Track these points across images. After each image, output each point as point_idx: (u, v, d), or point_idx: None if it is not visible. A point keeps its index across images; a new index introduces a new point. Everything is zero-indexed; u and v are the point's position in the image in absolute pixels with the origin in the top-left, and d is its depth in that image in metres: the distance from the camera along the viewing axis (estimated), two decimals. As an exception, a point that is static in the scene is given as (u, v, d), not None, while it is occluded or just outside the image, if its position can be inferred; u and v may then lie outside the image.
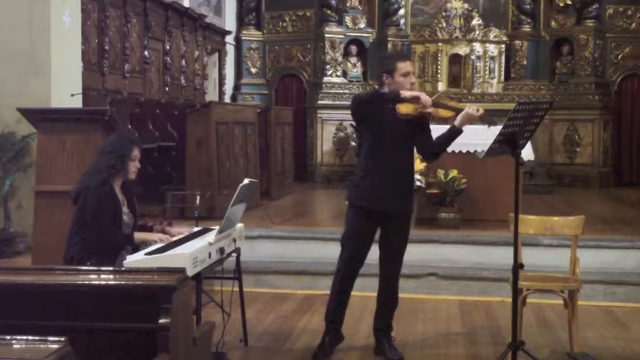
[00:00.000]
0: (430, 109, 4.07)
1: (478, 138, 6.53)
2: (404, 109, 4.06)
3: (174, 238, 3.91)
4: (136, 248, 3.84)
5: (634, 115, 11.72)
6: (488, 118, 4.07)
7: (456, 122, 4.09)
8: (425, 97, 4.07)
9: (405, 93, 4.07)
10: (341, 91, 11.93)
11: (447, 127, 4.25)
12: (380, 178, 4.16)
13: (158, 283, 2.58)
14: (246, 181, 4.07)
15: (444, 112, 4.10)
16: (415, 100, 4.06)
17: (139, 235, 3.88)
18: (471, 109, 4.06)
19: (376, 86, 11.64)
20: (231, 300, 4.33)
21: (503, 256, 5.43)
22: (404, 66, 4.16)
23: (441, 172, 6.59)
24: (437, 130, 4.32)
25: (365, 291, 4.86)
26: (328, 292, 4.52)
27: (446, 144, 4.26)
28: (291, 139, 10.26)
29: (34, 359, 1.68)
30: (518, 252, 3.95)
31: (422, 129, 4.20)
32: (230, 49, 12.67)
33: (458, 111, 4.12)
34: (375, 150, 4.19)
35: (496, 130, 3.86)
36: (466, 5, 11.71)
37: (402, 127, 4.12)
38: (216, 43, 12.13)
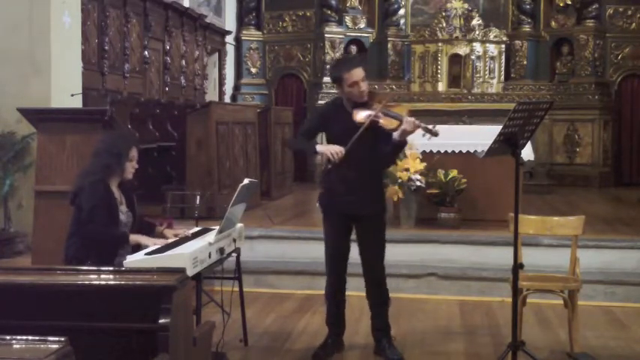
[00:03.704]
0: (379, 119, 4.05)
1: (478, 138, 6.54)
2: (358, 118, 4.09)
3: (170, 241, 3.89)
4: (135, 248, 3.84)
5: (634, 115, 11.72)
6: (428, 129, 3.97)
7: (396, 136, 4.04)
8: (335, 152, 4.03)
9: (320, 149, 4.14)
10: (341, 91, 11.89)
11: None
12: (346, 183, 4.19)
13: (158, 283, 2.58)
14: (246, 181, 4.07)
15: (390, 122, 4.04)
16: (364, 110, 4.09)
17: (133, 237, 3.86)
18: (407, 124, 3.96)
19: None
20: (231, 300, 4.33)
21: (503, 256, 5.42)
22: (350, 76, 4.08)
23: (441, 172, 6.59)
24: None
25: (365, 291, 4.85)
26: (327, 292, 4.55)
27: (393, 155, 4.34)
28: (292, 139, 10.25)
29: (34, 359, 1.68)
30: (518, 252, 3.95)
31: (382, 134, 4.13)
32: (230, 49, 12.67)
33: (401, 120, 4.03)
34: None
35: (494, 130, 3.86)
36: (466, 5, 11.71)
37: (363, 132, 4.10)
38: (216, 43, 12.13)
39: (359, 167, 4.15)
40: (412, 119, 3.99)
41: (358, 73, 4.11)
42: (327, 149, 4.08)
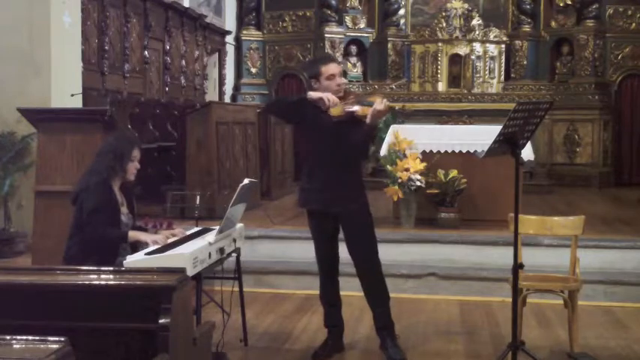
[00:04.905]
0: (355, 109, 4.07)
1: (478, 138, 6.54)
2: (334, 112, 4.10)
3: (169, 240, 3.88)
4: (134, 248, 3.84)
5: (634, 115, 11.72)
6: (397, 107, 4.03)
7: (367, 119, 4.04)
8: (331, 97, 4.06)
9: (312, 94, 4.10)
10: (341, 91, 11.89)
11: None
12: (323, 181, 4.19)
13: (158, 283, 2.59)
14: (246, 181, 4.07)
15: (365, 110, 4.08)
16: (340, 105, 4.09)
17: (132, 234, 3.86)
18: (379, 104, 4.00)
19: (368, 88, 11.68)
20: (231, 300, 4.33)
21: (503, 256, 5.43)
22: (327, 69, 4.14)
23: (441, 172, 6.59)
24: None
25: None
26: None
27: (364, 143, 4.25)
28: (291, 139, 10.25)
29: (34, 359, 1.68)
30: (518, 252, 3.94)
31: (357, 128, 4.13)
32: (230, 49, 12.67)
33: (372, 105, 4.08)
34: (314, 153, 4.26)
35: (494, 130, 3.85)
36: (466, 5, 11.72)
37: (335, 128, 4.11)
38: (216, 43, 12.13)
39: (333, 163, 4.15)
40: (384, 100, 4.03)
41: (334, 66, 4.19)
42: (323, 94, 4.06)
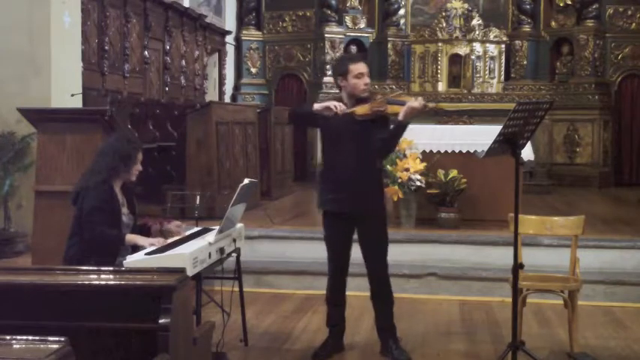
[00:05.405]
0: (384, 107, 4.08)
1: (478, 138, 6.54)
2: (360, 110, 4.10)
3: (170, 240, 3.88)
4: (134, 248, 3.84)
5: (634, 115, 11.72)
6: (432, 106, 4.05)
7: (400, 116, 4.04)
8: (336, 103, 4.05)
9: (317, 106, 4.10)
10: (341, 91, 11.89)
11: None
12: (341, 182, 4.18)
13: (158, 283, 2.58)
14: (246, 181, 4.07)
15: (397, 109, 4.09)
16: (366, 105, 4.11)
17: (129, 237, 3.85)
18: (414, 102, 4.02)
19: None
20: (231, 300, 4.33)
21: (503, 256, 5.43)
22: (356, 67, 4.15)
23: (441, 172, 6.59)
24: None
25: (365, 291, 4.83)
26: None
27: (393, 139, 4.23)
28: (291, 139, 10.26)
29: (34, 359, 1.68)
30: (518, 252, 3.95)
31: (380, 129, 4.15)
32: (230, 49, 12.67)
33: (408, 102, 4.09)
34: (333, 154, 4.25)
35: (494, 130, 3.85)
36: (466, 5, 11.71)
37: (359, 128, 4.11)
38: (216, 43, 12.13)
39: (354, 164, 4.14)
40: (420, 98, 4.05)
41: (363, 65, 4.20)
42: (328, 102, 4.07)
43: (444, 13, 11.70)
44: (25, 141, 6.48)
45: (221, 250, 3.92)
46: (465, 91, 11.55)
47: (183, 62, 10.66)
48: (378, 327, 4.41)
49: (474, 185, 6.70)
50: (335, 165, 4.22)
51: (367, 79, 4.19)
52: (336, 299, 4.42)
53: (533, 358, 3.92)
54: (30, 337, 1.77)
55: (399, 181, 6.44)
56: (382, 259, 4.33)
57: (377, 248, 4.31)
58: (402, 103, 4.08)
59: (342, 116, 4.06)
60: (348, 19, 12.41)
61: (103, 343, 2.55)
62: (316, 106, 4.12)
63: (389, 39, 12.26)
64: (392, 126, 4.16)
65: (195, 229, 4.32)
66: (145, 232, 4.06)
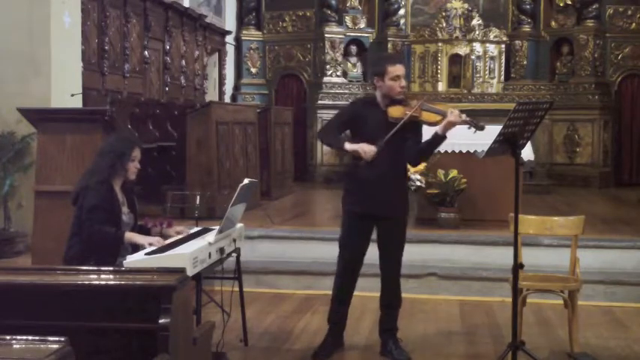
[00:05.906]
0: (418, 114, 4.07)
1: (478, 138, 6.53)
2: (394, 112, 4.09)
3: (169, 241, 3.88)
4: (135, 248, 3.84)
5: (634, 115, 11.72)
6: (474, 122, 4.00)
7: (439, 129, 4.04)
8: (367, 148, 4.03)
9: (348, 147, 4.10)
10: (341, 91, 11.92)
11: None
12: (369, 182, 4.17)
13: (158, 283, 2.59)
14: (246, 181, 4.07)
15: (431, 117, 4.07)
16: (400, 107, 4.09)
17: (128, 236, 3.85)
18: (452, 115, 3.98)
19: (368, 88, 11.64)
20: (231, 300, 4.33)
21: (503, 256, 5.43)
22: (394, 69, 4.13)
23: (441, 172, 6.59)
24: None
25: (365, 291, 4.86)
26: (328, 292, 4.57)
27: (429, 150, 4.24)
28: (291, 139, 10.25)
29: (34, 359, 1.68)
30: (518, 252, 3.95)
31: (412, 133, 4.16)
32: (230, 49, 12.67)
33: (445, 114, 4.04)
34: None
35: (494, 130, 3.85)
36: (466, 5, 11.71)
37: (398, 129, 4.10)
38: (216, 43, 12.13)
39: (385, 167, 4.12)
40: (457, 111, 4.01)
41: (401, 67, 4.18)
42: (360, 147, 4.06)
43: (444, 13, 11.70)
44: (25, 141, 6.48)
45: (221, 250, 3.92)
46: (465, 91, 11.55)
47: (183, 62, 10.66)
48: (381, 327, 4.41)
49: (473, 185, 6.70)
50: (366, 166, 4.16)
51: (403, 82, 4.18)
52: (343, 298, 4.41)
53: (533, 358, 3.92)
54: (30, 337, 1.77)
55: (399, 181, 6.43)
56: (398, 261, 4.35)
57: (395, 250, 4.33)
58: (437, 112, 4.06)
59: (379, 118, 4.05)
60: (348, 19, 12.40)
61: (103, 343, 2.55)
62: (348, 146, 4.11)
63: (389, 39, 12.25)
64: (425, 136, 4.15)
65: (195, 229, 4.32)
66: (145, 232, 4.06)
